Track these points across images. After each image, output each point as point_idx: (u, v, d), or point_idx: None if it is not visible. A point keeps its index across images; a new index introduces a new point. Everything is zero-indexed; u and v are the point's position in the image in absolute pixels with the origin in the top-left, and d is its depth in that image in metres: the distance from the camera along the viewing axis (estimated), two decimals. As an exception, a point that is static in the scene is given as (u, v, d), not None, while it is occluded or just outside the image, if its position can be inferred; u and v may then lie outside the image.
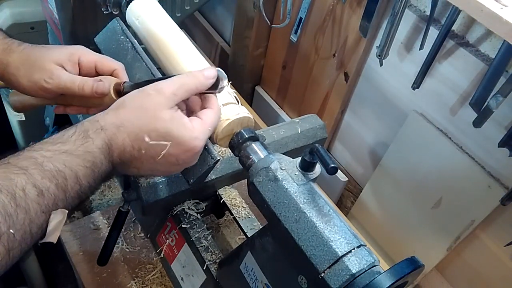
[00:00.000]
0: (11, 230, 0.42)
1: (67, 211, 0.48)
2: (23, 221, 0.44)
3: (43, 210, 0.46)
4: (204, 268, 0.79)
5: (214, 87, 0.59)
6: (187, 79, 0.57)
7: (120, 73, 0.71)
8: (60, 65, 0.68)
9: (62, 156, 0.48)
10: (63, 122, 1.36)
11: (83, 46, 0.72)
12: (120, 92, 0.67)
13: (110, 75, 0.71)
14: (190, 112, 0.61)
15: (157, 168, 0.57)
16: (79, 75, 0.70)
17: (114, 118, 0.54)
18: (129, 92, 0.60)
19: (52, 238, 0.47)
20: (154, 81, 0.61)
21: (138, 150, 0.54)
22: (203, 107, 0.60)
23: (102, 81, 0.68)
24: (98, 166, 0.51)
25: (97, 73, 0.71)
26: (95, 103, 0.70)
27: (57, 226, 0.47)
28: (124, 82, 0.68)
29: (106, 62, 0.71)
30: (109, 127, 0.53)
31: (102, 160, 0.52)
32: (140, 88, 0.57)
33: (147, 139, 0.53)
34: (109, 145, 0.52)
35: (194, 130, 0.56)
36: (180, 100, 0.57)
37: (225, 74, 0.61)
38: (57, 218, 0.47)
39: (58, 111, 0.74)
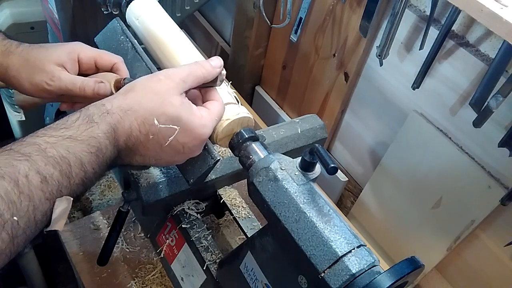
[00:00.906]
0: (14, 217, 0.42)
1: (72, 199, 0.47)
2: (27, 208, 0.43)
3: (47, 197, 0.45)
4: (204, 268, 0.79)
5: (214, 80, 0.60)
6: (195, 67, 0.58)
7: (120, 66, 0.71)
8: (61, 65, 0.68)
9: (66, 142, 0.48)
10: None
11: (81, 43, 0.71)
12: (120, 88, 0.67)
13: (110, 70, 0.71)
14: (192, 100, 0.60)
15: (161, 156, 0.56)
16: (79, 71, 0.70)
17: (122, 101, 0.53)
18: None
19: (57, 226, 0.47)
20: None
21: (145, 135, 0.53)
22: (205, 100, 0.60)
23: (103, 82, 0.68)
24: (103, 152, 0.50)
25: (97, 69, 0.71)
26: (96, 100, 0.70)
27: (62, 214, 0.46)
28: (124, 78, 0.68)
29: (105, 56, 0.71)
30: (116, 110, 0.52)
31: (107, 145, 0.51)
32: (150, 74, 0.57)
33: (156, 122, 0.53)
34: (115, 129, 0.51)
35: (203, 118, 0.56)
36: (189, 88, 0.57)
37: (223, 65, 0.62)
38: (62, 205, 0.46)
39: (64, 108, 0.74)
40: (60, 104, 0.74)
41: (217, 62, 0.59)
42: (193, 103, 0.59)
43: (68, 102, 0.73)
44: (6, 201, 0.41)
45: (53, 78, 0.66)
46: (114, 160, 0.53)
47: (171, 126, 0.54)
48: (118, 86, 0.68)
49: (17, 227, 0.42)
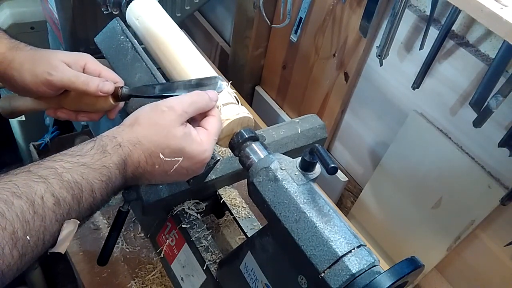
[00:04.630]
0: (27, 236, 0.44)
1: (78, 222, 0.50)
2: (39, 228, 0.45)
3: (58, 219, 0.47)
4: (204, 268, 0.78)
5: None
6: (197, 98, 0.61)
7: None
8: (66, 63, 0.69)
9: (80, 169, 0.51)
10: (63, 123, 1.36)
11: (90, 55, 0.74)
12: (117, 96, 0.70)
13: None
14: (190, 120, 0.62)
15: (166, 179, 0.61)
16: None
17: (130, 134, 0.57)
18: (126, 96, 0.67)
19: (61, 248, 0.49)
20: (150, 86, 0.66)
21: (151, 165, 0.57)
22: (204, 116, 0.62)
23: (108, 81, 0.70)
24: (112, 181, 0.54)
25: None
26: (88, 105, 0.71)
27: (67, 236, 0.49)
28: (122, 87, 0.69)
29: (108, 74, 0.73)
30: (126, 144, 0.56)
31: (116, 175, 0.54)
32: (153, 104, 0.60)
33: (161, 156, 0.56)
34: (125, 161, 0.55)
35: (203, 143, 0.59)
36: (189, 117, 0.60)
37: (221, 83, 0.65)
38: (69, 228, 0.49)
39: (49, 114, 0.76)
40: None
41: (213, 95, 0.63)
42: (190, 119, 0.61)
43: (54, 108, 0.74)
44: (21, 220, 0.44)
45: (56, 69, 0.68)
46: (120, 187, 0.57)
47: (175, 158, 0.57)
48: (115, 94, 0.70)
49: (27, 245, 0.44)
